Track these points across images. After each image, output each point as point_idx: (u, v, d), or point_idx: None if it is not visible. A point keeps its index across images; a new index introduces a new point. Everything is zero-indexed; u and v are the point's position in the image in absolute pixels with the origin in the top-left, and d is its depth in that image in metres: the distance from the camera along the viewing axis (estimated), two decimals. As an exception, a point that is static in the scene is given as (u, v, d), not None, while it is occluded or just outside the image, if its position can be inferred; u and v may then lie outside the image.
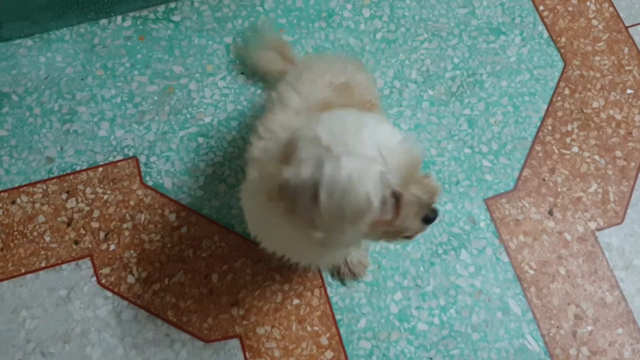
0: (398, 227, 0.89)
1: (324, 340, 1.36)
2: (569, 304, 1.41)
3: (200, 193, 1.49)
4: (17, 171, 1.51)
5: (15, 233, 1.45)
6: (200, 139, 1.55)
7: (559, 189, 1.52)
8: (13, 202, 1.48)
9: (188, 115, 1.57)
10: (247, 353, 1.34)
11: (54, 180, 1.50)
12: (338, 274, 1.41)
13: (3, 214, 1.46)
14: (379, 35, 1.67)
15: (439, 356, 1.35)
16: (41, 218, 1.46)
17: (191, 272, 1.41)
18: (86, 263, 1.42)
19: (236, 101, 1.59)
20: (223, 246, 1.44)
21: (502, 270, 1.44)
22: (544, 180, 1.53)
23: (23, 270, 1.41)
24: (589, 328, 1.38)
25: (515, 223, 1.49)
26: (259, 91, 1.60)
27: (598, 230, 1.48)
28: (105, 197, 1.48)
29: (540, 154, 1.56)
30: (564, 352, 1.36)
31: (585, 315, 1.39)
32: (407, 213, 0.88)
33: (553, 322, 1.39)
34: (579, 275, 1.43)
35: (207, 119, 1.57)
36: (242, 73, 1.62)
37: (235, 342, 1.35)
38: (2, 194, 1.48)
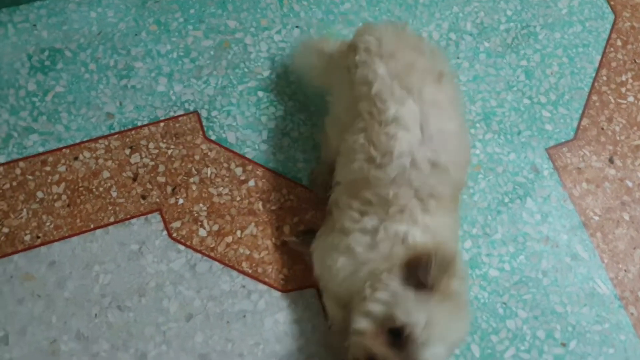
0: None
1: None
2: (634, 248, 1.44)
3: (264, 147, 1.48)
4: (77, 127, 1.48)
5: (81, 189, 1.43)
6: (260, 93, 1.54)
7: (618, 138, 1.55)
8: (75, 158, 1.46)
9: (246, 70, 1.56)
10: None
11: (116, 136, 1.48)
12: None
13: (66, 170, 1.44)
14: (433, -12, 1.67)
15: (512, 301, 1.38)
16: (106, 174, 1.45)
17: (262, 225, 1.41)
18: (155, 217, 1.41)
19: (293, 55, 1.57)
20: (292, 199, 1.44)
21: (568, 217, 1.46)
22: (602, 129, 1.55)
23: (92, 226, 1.40)
24: (656, 270, 1.42)
25: (577, 171, 1.50)
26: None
27: (659, 176, 1.51)
28: (169, 151, 1.47)
29: (597, 104, 1.58)
30: (632, 295, 1.39)
31: (651, 258, 1.43)
32: None
33: (621, 266, 1.42)
34: (643, 220, 1.46)
35: (266, 73, 1.56)
36: (297, 27, 1.61)
37: (312, 292, 1.36)
38: (64, 150, 1.46)
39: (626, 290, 1.40)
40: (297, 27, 1.61)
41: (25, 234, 1.38)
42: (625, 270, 1.41)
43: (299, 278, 1.37)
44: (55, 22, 1.58)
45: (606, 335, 1.36)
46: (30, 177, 1.43)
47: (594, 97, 1.58)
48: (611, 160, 1.52)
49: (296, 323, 1.33)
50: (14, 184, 1.43)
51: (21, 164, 1.45)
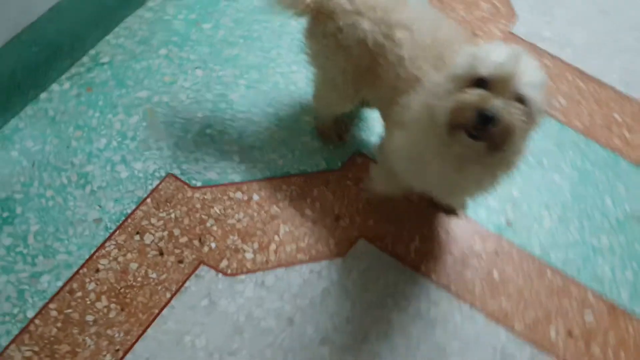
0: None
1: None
2: None
3: (243, 166, 1.63)
4: (77, 247, 1.49)
5: (122, 290, 1.45)
6: (208, 130, 1.68)
7: None
8: (97, 271, 1.47)
9: (182, 120, 1.68)
10: (376, 243, 1.55)
11: (117, 232, 1.52)
12: None
13: (97, 284, 1.45)
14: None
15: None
16: (133, 265, 1.48)
17: (289, 220, 1.57)
18: (203, 270, 1.49)
19: (211, 88, 1.73)
20: (294, 189, 1.61)
21: None
22: None
23: (156, 311, 1.44)
24: None
25: None
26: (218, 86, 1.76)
27: None
28: (173, 215, 1.55)
29: None
30: None
31: None
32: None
33: None
34: None
35: (200, 114, 1.70)
36: (197, 68, 1.77)
37: (361, 242, 1.56)
38: (81, 271, 1.46)
39: None
40: (197, 68, 1.77)
41: (104, 356, 1.38)
42: None
43: (344, 239, 1.55)
44: (-15, 178, 1.55)
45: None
46: (69, 311, 1.42)
47: None
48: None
49: (368, 270, 1.52)
50: (59, 325, 1.40)
51: (51, 305, 1.42)
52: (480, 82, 1.05)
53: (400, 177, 1.33)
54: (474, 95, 1.04)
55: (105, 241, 1.50)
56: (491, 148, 1.08)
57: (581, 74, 1.86)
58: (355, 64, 1.30)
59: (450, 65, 1.14)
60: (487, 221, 1.61)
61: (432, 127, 1.13)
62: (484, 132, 1.04)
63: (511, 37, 1.91)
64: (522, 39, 1.90)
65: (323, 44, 1.33)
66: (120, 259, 1.49)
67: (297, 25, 1.84)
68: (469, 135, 1.06)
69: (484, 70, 1.04)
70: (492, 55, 1.05)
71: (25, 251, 1.47)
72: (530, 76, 1.04)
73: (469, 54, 1.09)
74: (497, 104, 1.02)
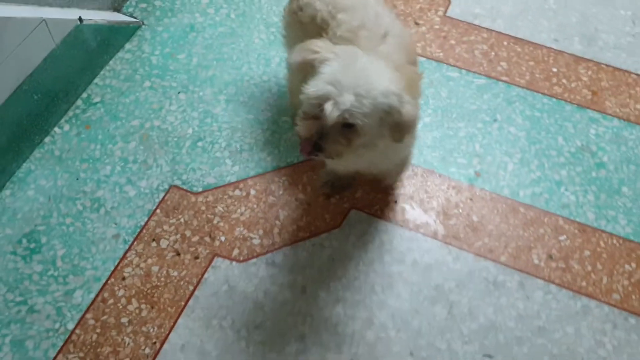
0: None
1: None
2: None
3: (236, 168, 1.82)
4: (102, 262, 1.65)
5: (148, 291, 1.61)
6: (200, 143, 1.87)
7: None
8: (123, 279, 1.63)
9: (175, 139, 1.88)
10: (366, 211, 1.74)
11: (135, 243, 1.68)
12: None
13: (125, 290, 1.61)
14: None
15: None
16: (155, 268, 1.65)
17: (286, 205, 1.75)
18: (218, 261, 1.66)
19: (195, 107, 1.94)
20: (285, 179, 1.80)
21: (428, 67, 2.05)
22: None
23: (182, 304, 1.60)
24: None
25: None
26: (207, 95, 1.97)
27: None
28: (182, 220, 1.72)
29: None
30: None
31: None
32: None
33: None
34: None
35: (189, 130, 1.89)
36: (179, 92, 1.97)
37: (353, 213, 1.74)
38: (109, 281, 1.62)
39: (490, 74, 2.04)
40: (179, 92, 1.97)
41: (143, 350, 1.53)
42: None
43: (338, 213, 1.74)
44: (7, 218, 1.71)
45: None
46: (105, 317, 1.57)
47: None
48: None
49: (363, 234, 1.70)
50: (98, 331, 1.55)
51: (88, 315, 1.57)
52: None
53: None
54: (301, 128, 1.27)
55: (126, 252, 1.67)
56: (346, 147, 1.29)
57: (515, 39, 2.10)
58: (309, 38, 1.49)
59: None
60: (459, 175, 1.81)
61: None
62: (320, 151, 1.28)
63: (448, 20, 2.15)
64: (458, 20, 2.15)
65: (287, 20, 1.58)
66: (142, 265, 1.65)
67: (260, 42, 2.07)
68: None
69: (306, 108, 1.26)
70: (311, 92, 1.24)
71: (56, 273, 1.63)
72: (356, 89, 1.21)
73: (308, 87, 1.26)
74: (320, 135, 1.24)
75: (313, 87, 1.23)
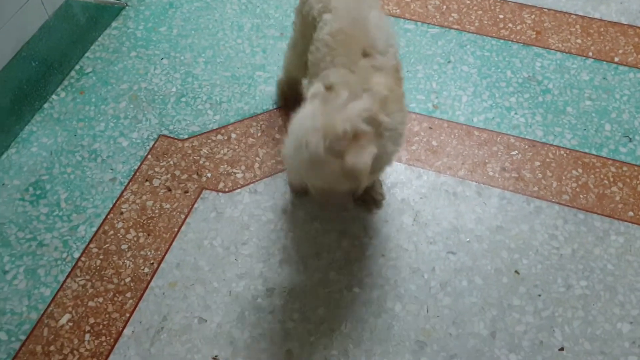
0: None
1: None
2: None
3: (217, 117, 2.02)
4: (101, 201, 1.83)
5: (145, 221, 1.79)
6: (183, 99, 2.07)
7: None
8: (121, 213, 1.81)
9: (161, 96, 2.07)
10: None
11: (130, 183, 1.87)
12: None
13: (122, 222, 1.79)
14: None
15: (409, 68, 2.13)
16: (149, 203, 1.83)
17: (264, 145, 1.94)
18: (205, 194, 1.84)
19: (177, 70, 2.14)
20: (262, 124, 2.00)
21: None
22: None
23: (176, 230, 1.78)
24: None
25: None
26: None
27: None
28: (171, 162, 1.91)
29: None
30: (447, 24, 2.26)
31: None
32: None
33: (430, 19, 2.28)
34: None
35: (173, 89, 2.09)
36: (163, 58, 2.18)
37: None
38: (108, 217, 1.80)
39: (443, 25, 2.26)
40: (162, 59, 2.18)
41: (143, 270, 1.70)
42: None
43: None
44: (15, 172, 1.90)
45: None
46: (107, 245, 1.75)
47: None
48: None
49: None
50: (101, 257, 1.73)
51: (91, 245, 1.75)
52: None
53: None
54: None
55: (122, 192, 1.85)
56: None
57: (464, -8, 2.33)
58: (304, 30, 1.62)
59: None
60: (418, 109, 2.01)
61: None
62: None
63: (404, -20, 2.38)
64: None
65: (296, 12, 1.69)
66: (138, 201, 1.83)
67: (232, 12, 2.29)
68: None
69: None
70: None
71: (60, 213, 1.81)
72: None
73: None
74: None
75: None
